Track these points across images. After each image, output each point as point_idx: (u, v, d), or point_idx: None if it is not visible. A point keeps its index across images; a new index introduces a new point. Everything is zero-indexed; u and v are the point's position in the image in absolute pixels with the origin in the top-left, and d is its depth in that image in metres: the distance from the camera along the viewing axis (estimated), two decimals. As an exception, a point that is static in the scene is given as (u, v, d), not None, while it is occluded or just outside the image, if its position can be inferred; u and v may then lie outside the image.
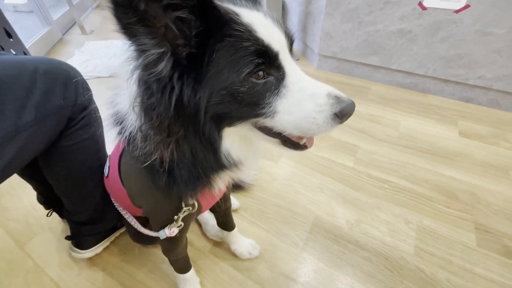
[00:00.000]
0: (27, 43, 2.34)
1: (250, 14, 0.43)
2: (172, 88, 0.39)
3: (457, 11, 1.54)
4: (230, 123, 0.46)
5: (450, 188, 1.25)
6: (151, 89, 0.38)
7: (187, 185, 0.49)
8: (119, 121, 0.50)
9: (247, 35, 0.40)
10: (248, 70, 0.40)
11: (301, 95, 0.45)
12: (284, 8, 2.48)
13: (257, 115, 0.45)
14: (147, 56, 0.36)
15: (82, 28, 2.99)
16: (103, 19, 3.42)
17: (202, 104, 0.41)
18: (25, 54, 1.54)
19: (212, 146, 0.46)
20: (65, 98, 0.63)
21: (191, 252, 1.00)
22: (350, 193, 1.24)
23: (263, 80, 0.43)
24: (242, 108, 0.44)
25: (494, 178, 1.29)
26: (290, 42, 0.48)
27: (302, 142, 0.51)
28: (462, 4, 1.51)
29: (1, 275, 0.97)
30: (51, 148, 0.68)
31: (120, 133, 0.50)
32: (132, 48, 0.36)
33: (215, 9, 0.39)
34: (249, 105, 0.43)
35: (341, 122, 0.46)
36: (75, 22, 3.07)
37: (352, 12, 1.83)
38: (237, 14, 0.41)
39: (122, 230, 1.04)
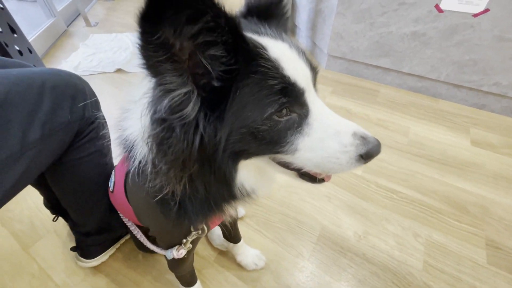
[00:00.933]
0: (32, 35, 2.30)
1: (276, 47, 0.40)
2: (196, 128, 0.36)
3: (475, 15, 1.48)
4: (247, 158, 0.44)
5: (460, 201, 1.22)
6: (174, 131, 0.35)
7: (198, 216, 0.48)
8: (128, 149, 0.47)
9: (274, 72, 0.38)
10: (272, 110, 0.38)
11: (325, 133, 0.43)
12: (293, 5, 2.41)
13: (277, 152, 0.43)
14: (173, 97, 0.32)
15: (86, 20, 2.94)
16: (108, 11, 3.36)
17: (221, 143, 0.39)
18: (29, 50, 1.51)
19: (227, 181, 0.44)
20: (72, 112, 0.61)
21: (196, 261, 0.99)
22: (358, 203, 1.22)
23: (286, 118, 0.40)
24: (261, 146, 0.41)
25: (506, 191, 1.26)
26: (315, 74, 0.45)
27: (320, 176, 0.49)
28: (482, 8, 1.44)
29: (6, 278, 0.98)
30: (57, 162, 0.66)
31: (128, 161, 0.48)
32: (156, 86, 0.33)
33: (245, 43, 0.36)
34: (269, 143, 0.41)
35: (365, 163, 0.43)
36: (79, 14, 3.02)
37: (365, 13, 1.76)
38: (264, 48, 0.39)
39: (128, 236, 1.03)
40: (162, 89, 0.33)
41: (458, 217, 1.16)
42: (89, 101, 0.67)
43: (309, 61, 0.44)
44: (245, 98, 0.37)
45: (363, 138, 0.42)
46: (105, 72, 2.14)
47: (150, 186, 0.43)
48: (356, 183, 1.30)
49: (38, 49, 2.32)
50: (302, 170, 0.47)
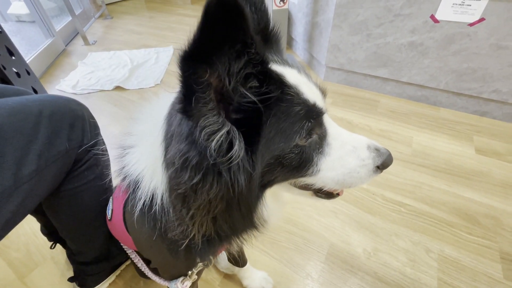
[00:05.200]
0: (30, 55, 2.31)
1: (290, 74, 0.40)
2: (241, 169, 0.34)
3: (471, 24, 1.49)
4: (271, 186, 0.43)
5: (470, 212, 1.19)
6: (212, 176, 0.32)
7: (208, 251, 0.45)
8: (133, 187, 0.44)
9: (297, 98, 0.38)
10: (299, 136, 0.38)
11: (343, 151, 0.44)
12: (289, 19, 2.44)
13: (302, 176, 0.43)
14: (218, 138, 0.30)
15: (85, 39, 2.97)
16: (106, 29, 3.41)
17: (258, 177, 0.37)
18: (27, 71, 1.50)
19: (252, 214, 0.43)
20: (70, 140, 0.58)
21: (200, 286, 0.95)
22: (365, 218, 1.18)
23: (308, 141, 0.41)
24: (288, 173, 0.41)
25: (516, 200, 1.23)
26: (324, 95, 0.45)
27: (335, 192, 0.50)
28: (477, 17, 1.46)
29: (0, 312, 0.93)
30: (54, 192, 0.63)
31: (132, 198, 0.45)
32: (200, 130, 0.30)
33: (272, 71, 0.35)
34: (295, 168, 0.41)
35: (381, 172, 0.46)
36: (78, 33, 3.05)
37: (361, 24, 1.78)
38: (284, 76, 0.38)
39: (128, 262, 0.98)
40: (207, 132, 0.30)
41: (470, 229, 1.12)
42: (88, 126, 0.64)
43: (316, 83, 0.44)
44: (274, 129, 0.36)
45: (377, 150, 0.44)
46: (104, 90, 2.13)
47: (161, 227, 0.42)
48: (362, 196, 1.27)
49: (37, 68, 2.33)
50: (323, 190, 0.47)
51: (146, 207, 0.42)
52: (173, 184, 0.35)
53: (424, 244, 1.08)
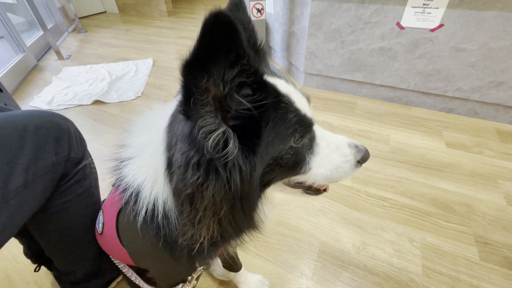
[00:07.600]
0: (0, 72, 2.21)
1: (280, 84, 0.44)
2: (235, 166, 0.37)
3: (432, 30, 1.64)
4: (269, 185, 0.48)
5: (446, 201, 1.28)
6: (211, 174, 0.35)
7: (210, 254, 0.47)
8: (134, 197, 0.45)
9: (290, 106, 0.42)
10: (293, 139, 0.43)
11: (329, 149, 0.49)
12: (267, 29, 2.53)
13: (297, 174, 0.48)
14: (215, 137, 0.34)
15: (58, 53, 2.87)
16: (81, 43, 3.32)
17: (258, 178, 0.41)
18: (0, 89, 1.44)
19: (253, 214, 0.46)
20: (57, 154, 0.57)
21: (196, 296, 0.94)
22: (351, 214, 1.23)
23: (301, 143, 0.45)
24: (285, 172, 0.46)
25: (484, 187, 1.34)
26: (309, 102, 0.51)
27: (323, 188, 0.55)
28: (437, 24, 1.61)
29: None
30: (41, 209, 0.61)
31: (132, 208, 0.46)
32: (198, 130, 0.33)
33: (266, 81, 0.39)
34: (291, 168, 0.46)
35: (360, 167, 0.52)
36: (51, 47, 2.95)
37: (335, 32, 1.89)
38: (276, 86, 0.42)
39: (119, 278, 0.96)
40: (204, 131, 0.33)
41: (446, 217, 1.21)
42: (74, 140, 0.64)
43: (301, 91, 0.48)
44: (273, 133, 0.40)
45: (356, 147, 0.51)
46: (82, 105, 2.07)
47: (165, 234, 0.44)
48: (347, 194, 1.33)
49: (7, 85, 2.22)
50: (313, 186, 0.52)
51: (149, 216, 0.44)
52: (181, 186, 0.37)
53: (408, 235, 1.14)
